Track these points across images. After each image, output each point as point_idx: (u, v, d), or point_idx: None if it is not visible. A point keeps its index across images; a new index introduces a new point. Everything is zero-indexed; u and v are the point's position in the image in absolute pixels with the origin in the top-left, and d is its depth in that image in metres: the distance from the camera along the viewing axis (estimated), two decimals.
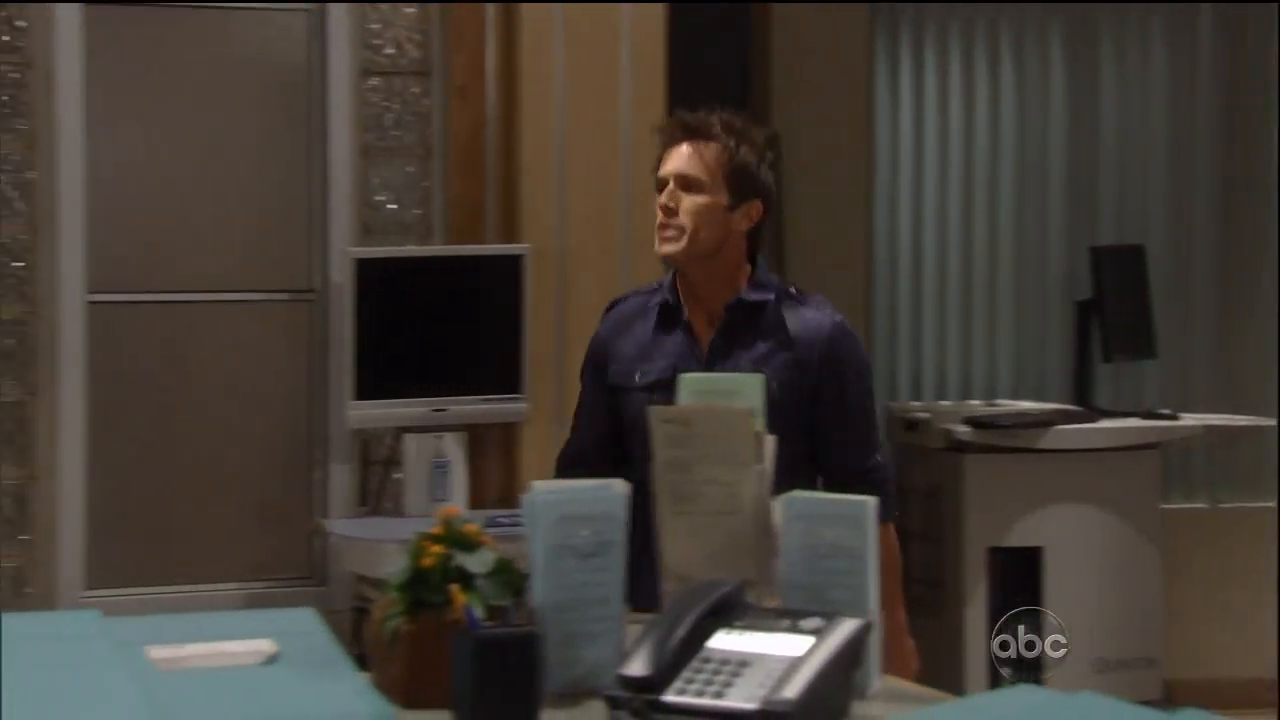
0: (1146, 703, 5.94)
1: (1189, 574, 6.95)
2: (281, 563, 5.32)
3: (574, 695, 2.65)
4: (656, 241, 3.70)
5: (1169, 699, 6.59)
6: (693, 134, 3.70)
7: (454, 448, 5.07)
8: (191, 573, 5.19)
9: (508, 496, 5.07)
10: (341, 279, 5.10)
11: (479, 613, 2.59)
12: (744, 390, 2.76)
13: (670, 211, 3.68)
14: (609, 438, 3.79)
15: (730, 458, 2.71)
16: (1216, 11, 7.35)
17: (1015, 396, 7.22)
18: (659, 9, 5.29)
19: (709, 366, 3.63)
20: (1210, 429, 6.83)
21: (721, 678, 2.51)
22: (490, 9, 5.21)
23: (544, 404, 5.14)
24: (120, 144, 5.12)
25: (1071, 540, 6.50)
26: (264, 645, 2.68)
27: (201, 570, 5.21)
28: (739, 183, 3.70)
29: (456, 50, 5.26)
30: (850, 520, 2.68)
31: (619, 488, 2.73)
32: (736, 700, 2.49)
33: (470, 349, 5.14)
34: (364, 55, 5.26)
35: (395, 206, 5.32)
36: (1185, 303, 7.39)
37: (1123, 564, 6.61)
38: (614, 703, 2.57)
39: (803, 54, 6.74)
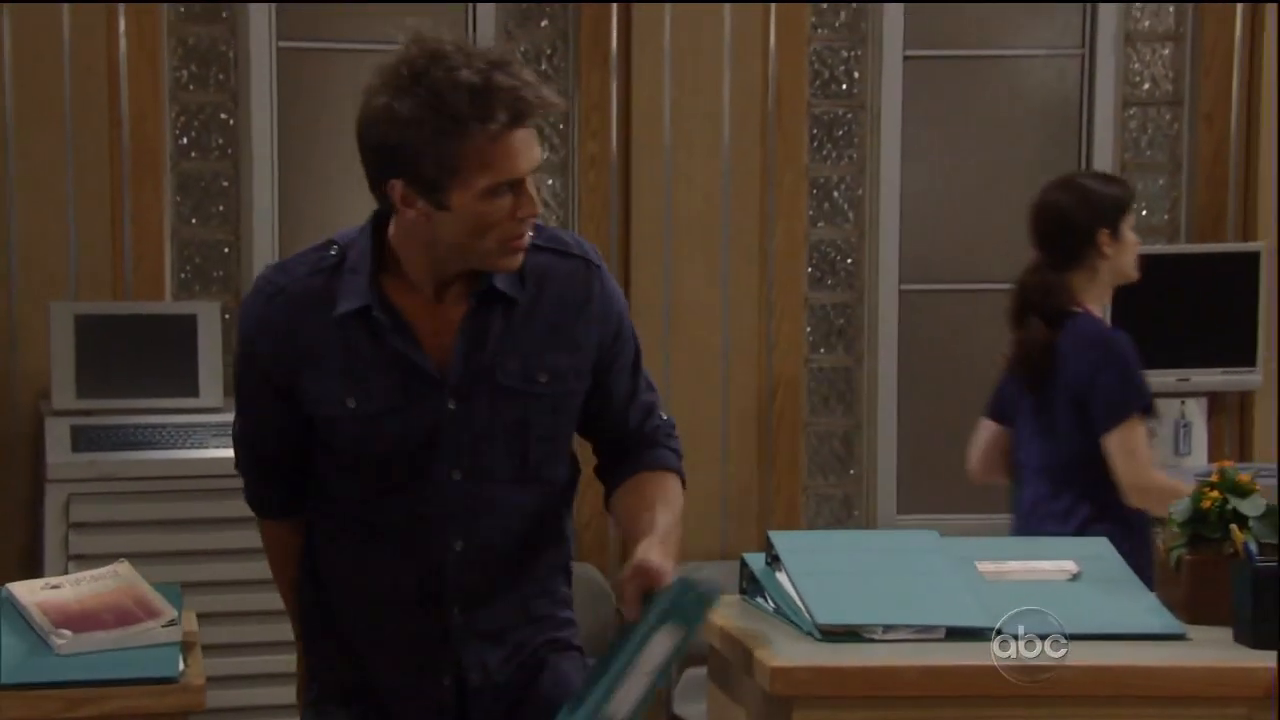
0: None
1: None
2: None
3: None
4: (507, 262, 2.20)
5: None
6: (531, 114, 2.17)
7: (1195, 411, 4.82)
8: (975, 504, 5.10)
9: (1244, 454, 4.79)
10: None
11: (1255, 549, 2.43)
12: None
13: (529, 219, 2.21)
14: (290, 463, 2.36)
15: None
16: None
17: None
18: None
19: (460, 379, 2.25)
20: None
21: None
22: (1238, 45, 4.91)
23: (1275, 376, 4.82)
24: (927, 167, 5.09)
25: None
26: (1069, 565, 2.60)
27: (983, 495, 5.12)
28: None
29: (1205, 83, 4.99)
30: None
31: None
32: None
33: (1210, 328, 4.87)
34: (1125, 90, 5.05)
35: (1147, 212, 5.09)
36: None
37: None
38: None
39: None
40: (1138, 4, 5.01)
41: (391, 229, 2.26)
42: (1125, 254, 3.66)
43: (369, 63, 4.82)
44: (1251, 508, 2.50)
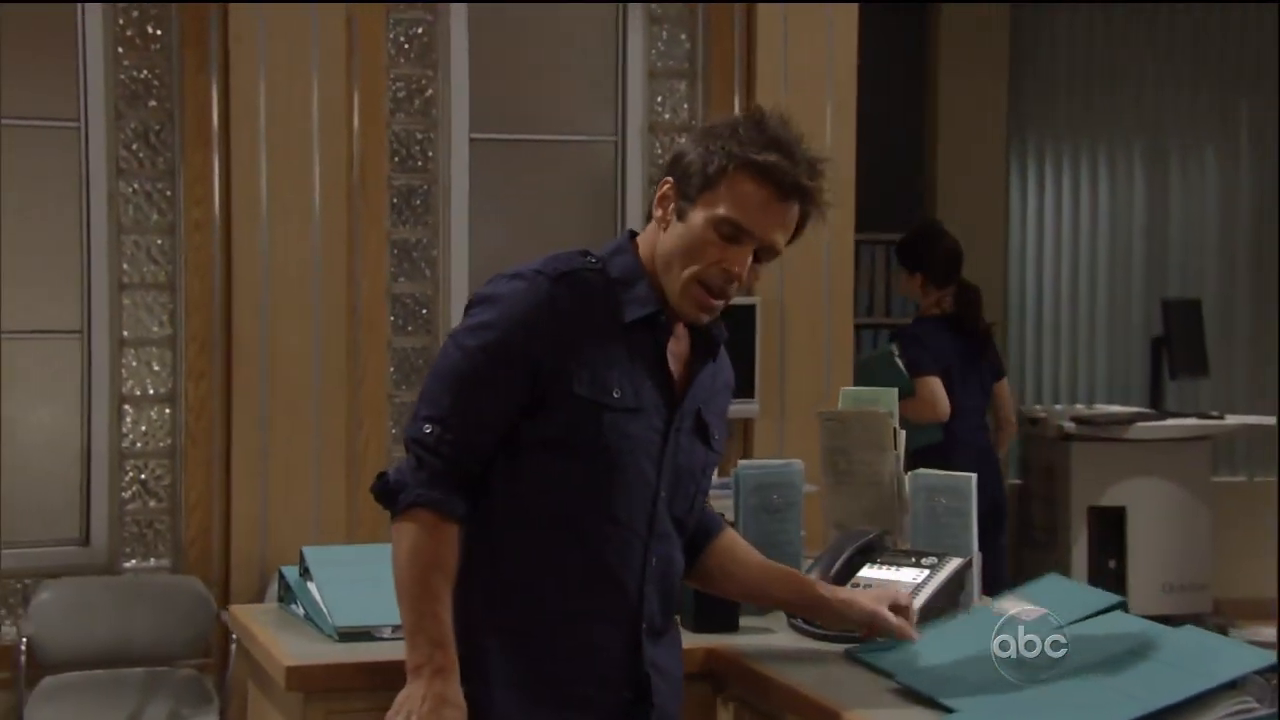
0: (1199, 615, 5.95)
1: (1231, 525, 6.73)
2: None
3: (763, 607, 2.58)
4: (690, 305, 2.07)
5: (1217, 611, 6.41)
6: (803, 198, 2.06)
7: None
8: None
9: None
10: None
11: None
12: (882, 399, 2.66)
13: (735, 283, 2.07)
14: (492, 451, 2.06)
15: (875, 446, 2.63)
16: (1251, 137, 7.15)
17: (1108, 402, 7.08)
18: (849, 153, 5.10)
19: (684, 403, 2.12)
20: (1246, 426, 6.66)
21: None
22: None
23: (769, 407, 5.07)
24: (493, 230, 5.09)
25: (1147, 502, 6.37)
26: None
27: None
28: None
29: None
30: (958, 491, 2.58)
31: (798, 465, 2.66)
32: None
33: None
34: (652, 170, 5.19)
35: None
36: (1229, 338, 7.20)
37: (1184, 519, 6.41)
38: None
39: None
40: (659, 99, 5.20)
41: (642, 247, 2.11)
42: None
43: None
44: None
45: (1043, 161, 7.14)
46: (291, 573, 2.52)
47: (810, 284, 5.14)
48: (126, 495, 4.78)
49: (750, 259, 2.06)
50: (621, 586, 2.06)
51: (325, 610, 2.36)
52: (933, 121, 6.90)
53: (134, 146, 4.78)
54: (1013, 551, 6.70)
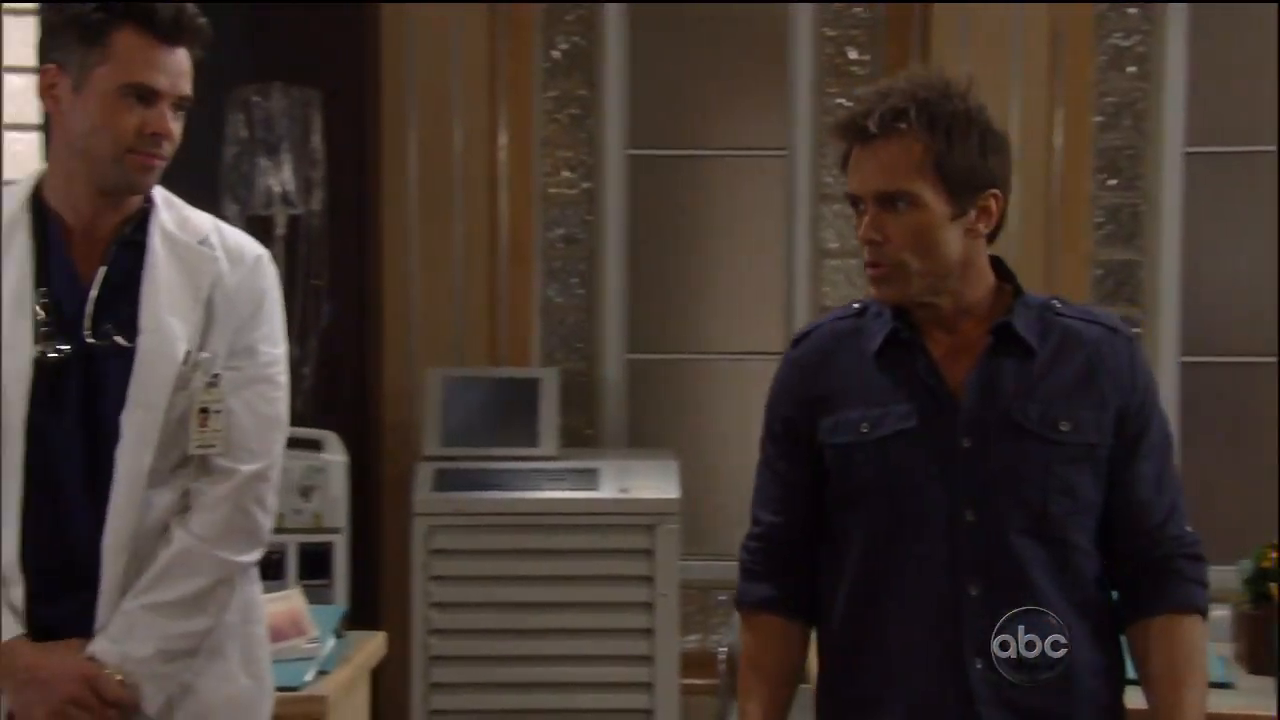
0: None
1: None
2: None
3: None
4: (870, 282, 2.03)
5: None
6: (866, 136, 1.97)
7: None
8: None
9: None
10: None
11: None
12: None
13: (876, 245, 1.97)
14: (812, 517, 2.09)
15: None
16: None
17: None
18: None
19: (968, 408, 1.98)
20: None
21: None
22: None
23: None
24: (1208, 252, 4.87)
25: None
26: None
27: None
28: (959, 180, 1.96)
29: None
30: None
31: None
32: None
33: None
34: None
35: None
36: None
37: None
38: None
39: None
40: None
41: None
42: None
43: (710, 167, 5.13)
44: None
45: None
46: None
47: None
48: None
49: (875, 217, 1.99)
50: (933, 627, 1.97)
51: None
52: None
53: (835, 172, 5.08)
54: None
